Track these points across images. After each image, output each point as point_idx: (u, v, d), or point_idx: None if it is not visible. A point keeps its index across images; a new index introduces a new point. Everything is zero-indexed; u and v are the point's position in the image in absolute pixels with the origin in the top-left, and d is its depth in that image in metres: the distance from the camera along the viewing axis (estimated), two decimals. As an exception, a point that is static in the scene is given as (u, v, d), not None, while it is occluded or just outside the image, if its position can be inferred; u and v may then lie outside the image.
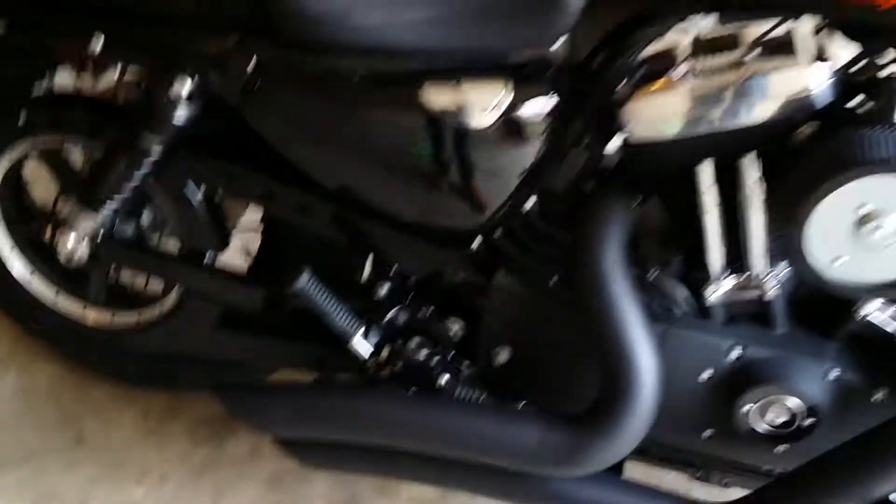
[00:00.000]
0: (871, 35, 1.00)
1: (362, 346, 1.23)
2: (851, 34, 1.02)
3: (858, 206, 0.97)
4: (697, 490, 1.35)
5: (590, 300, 1.12)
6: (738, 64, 1.02)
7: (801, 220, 0.98)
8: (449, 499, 1.55)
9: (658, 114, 1.06)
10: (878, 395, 1.13)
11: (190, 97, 1.18)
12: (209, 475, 1.58)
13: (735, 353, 1.15)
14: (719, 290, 1.15)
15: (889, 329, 1.12)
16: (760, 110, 1.02)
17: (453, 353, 1.28)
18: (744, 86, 1.01)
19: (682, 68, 1.04)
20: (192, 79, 1.17)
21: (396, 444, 1.19)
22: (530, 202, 1.19)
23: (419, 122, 1.11)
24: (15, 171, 1.51)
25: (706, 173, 1.09)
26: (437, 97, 1.09)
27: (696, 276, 1.17)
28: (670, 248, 1.20)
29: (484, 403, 1.22)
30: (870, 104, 1.00)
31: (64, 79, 1.45)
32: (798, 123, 1.01)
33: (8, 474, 1.55)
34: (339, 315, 1.21)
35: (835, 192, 0.96)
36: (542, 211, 1.21)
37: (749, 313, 1.18)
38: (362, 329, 1.23)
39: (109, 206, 1.32)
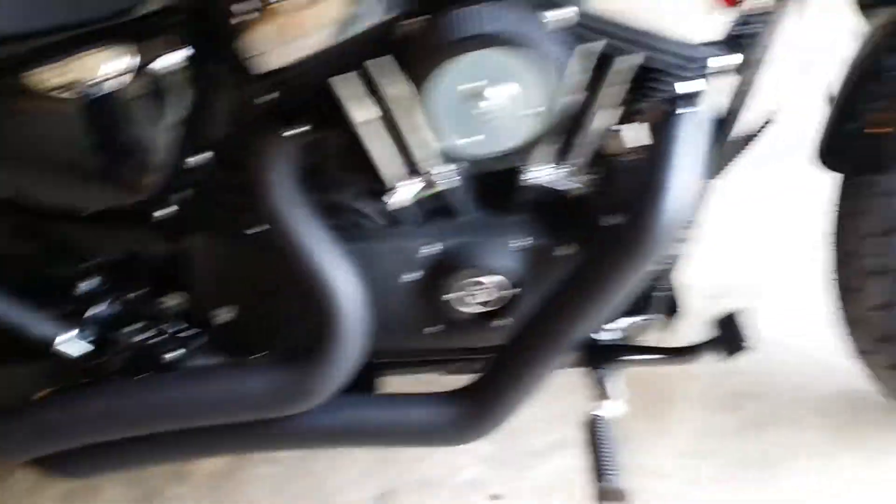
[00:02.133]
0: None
1: (71, 346, 1.21)
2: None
3: (465, 83, 1.02)
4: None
5: (277, 237, 1.14)
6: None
7: (423, 98, 1.03)
8: (240, 469, 1.58)
9: (269, 41, 1.07)
10: (563, 251, 1.21)
11: None
12: (-6, 516, 1.54)
13: (428, 250, 1.21)
14: (399, 196, 1.19)
15: (555, 187, 1.20)
16: (362, 20, 1.05)
17: (179, 327, 1.28)
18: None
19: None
20: None
21: (140, 430, 1.20)
22: (204, 155, 1.20)
23: (46, 107, 1.08)
24: None
25: (343, 89, 1.12)
26: (54, 77, 1.06)
27: (378, 188, 1.21)
28: (347, 167, 1.23)
29: (207, 366, 1.23)
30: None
31: None
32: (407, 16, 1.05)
33: None
34: (32, 323, 1.18)
35: (438, 72, 1.01)
36: (220, 160, 1.21)
37: (436, 208, 1.23)
38: (68, 330, 1.20)
39: None
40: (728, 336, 1.34)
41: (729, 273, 1.87)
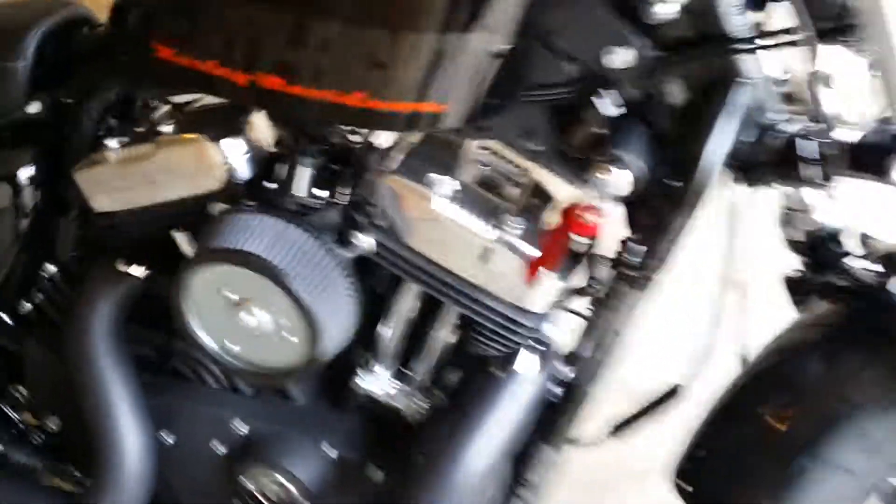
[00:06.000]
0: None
1: None
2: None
3: (222, 291, 0.92)
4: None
5: (73, 370, 1.09)
6: (152, 135, 0.98)
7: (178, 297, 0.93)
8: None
9: (98, 185, 1.02)
10: (377, 476, 1.07)
11: None
12: None
13: (241, 428, 1.10)
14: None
15: (392, 403, 1.06)
16: (178, 185, 0.98)
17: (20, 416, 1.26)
18: (157, 161, 0.97)
19: (113, 142, 1.00)
20: None
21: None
22: (50, 268, 1.17)
23: None
24: None
25: (182, 242, 1.05)
26: None
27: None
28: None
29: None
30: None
31: None
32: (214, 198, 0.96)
33: None
34: None
35: (197, 273, 0.92)
36: (67, 277, 1.17)
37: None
38: None
39: None
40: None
41: None
